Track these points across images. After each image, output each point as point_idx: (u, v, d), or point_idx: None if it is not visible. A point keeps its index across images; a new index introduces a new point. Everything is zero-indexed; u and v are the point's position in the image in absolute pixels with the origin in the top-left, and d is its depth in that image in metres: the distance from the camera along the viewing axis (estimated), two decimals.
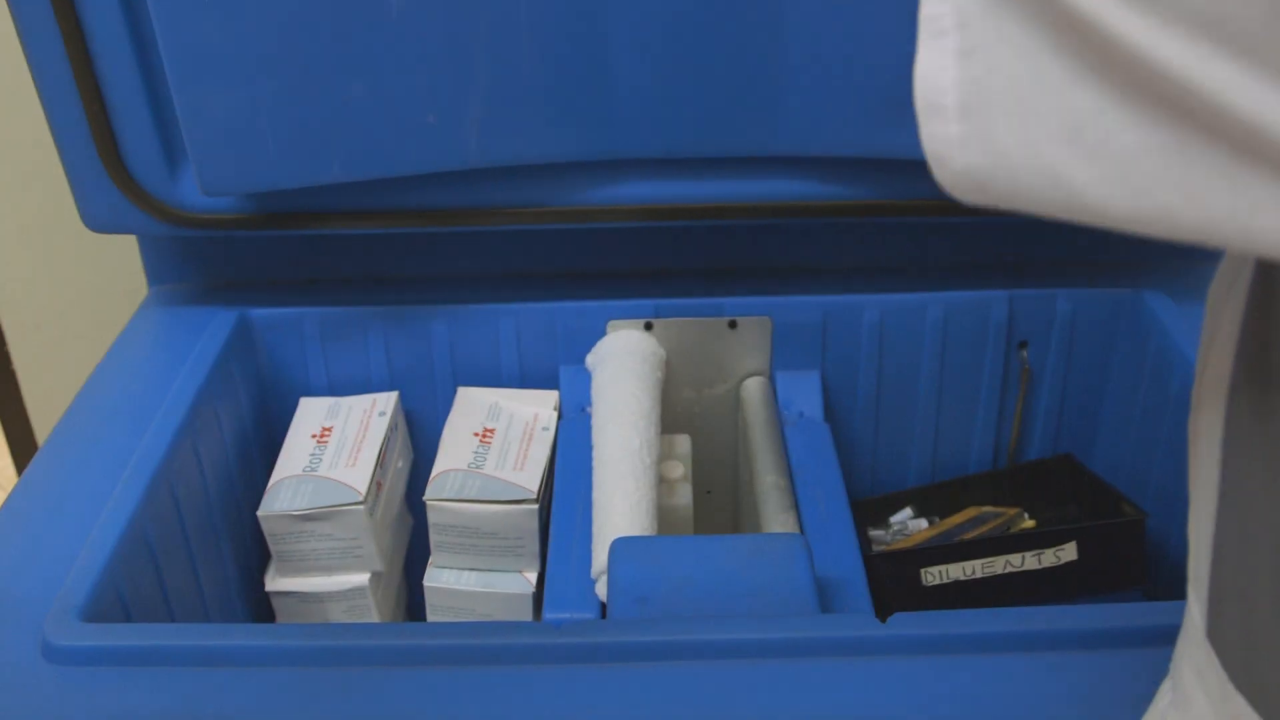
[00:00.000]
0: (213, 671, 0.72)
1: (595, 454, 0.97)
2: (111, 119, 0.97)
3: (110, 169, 0.99)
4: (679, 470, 1.02)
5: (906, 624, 0.72)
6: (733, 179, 1.01)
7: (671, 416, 1.12)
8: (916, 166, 0.99)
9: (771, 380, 1.10)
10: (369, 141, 0.94)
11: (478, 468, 0.98)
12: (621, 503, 0.90)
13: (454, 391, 1.09)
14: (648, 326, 1.08)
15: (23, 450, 1.48)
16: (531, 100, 0.94)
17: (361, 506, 0.95)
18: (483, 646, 0.72)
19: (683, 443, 1.07)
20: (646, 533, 0.89)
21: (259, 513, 0.96)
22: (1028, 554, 0.92)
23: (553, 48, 0.92)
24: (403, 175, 0.96)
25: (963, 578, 0.92)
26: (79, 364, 1.13)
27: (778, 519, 0.92)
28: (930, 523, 1.09)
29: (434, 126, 0.93)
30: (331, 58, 0.90)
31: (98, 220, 1.03)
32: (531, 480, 0.97)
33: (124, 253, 1.26)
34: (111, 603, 0.79)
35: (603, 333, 1.08)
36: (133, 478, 0.87)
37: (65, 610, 0.75)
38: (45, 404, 1.44)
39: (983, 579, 0.92)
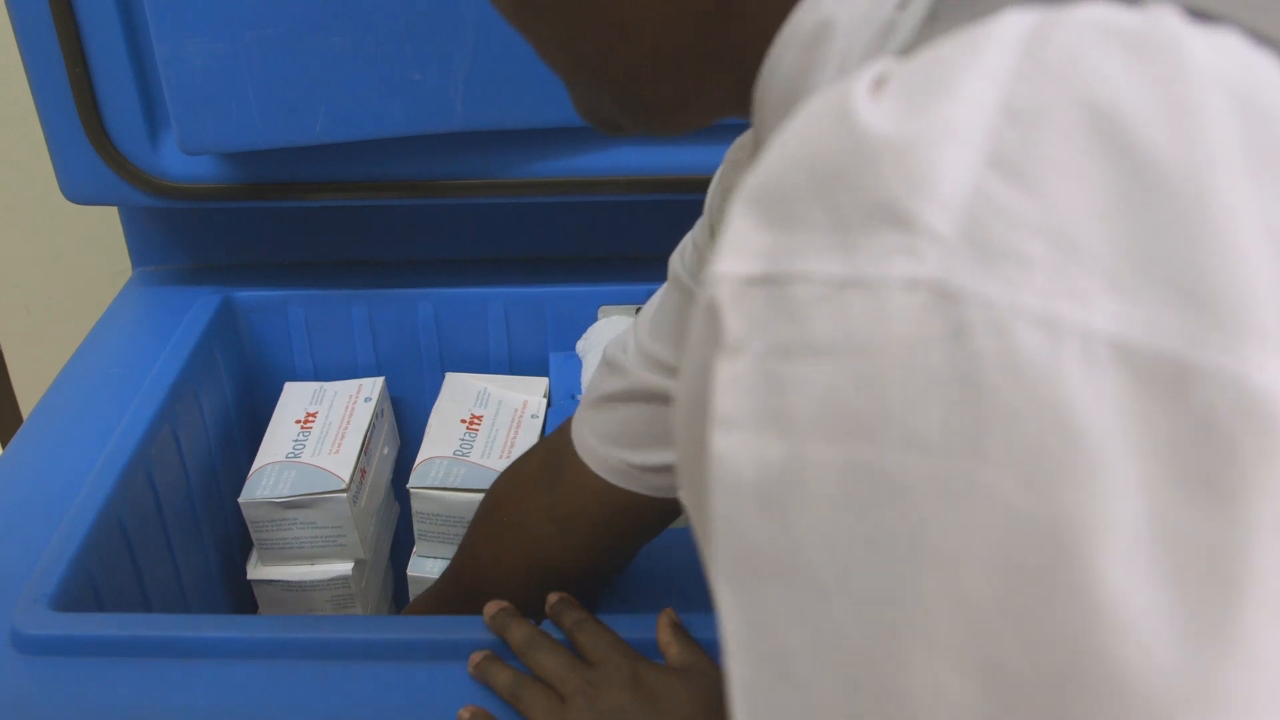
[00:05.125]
0: (185, 663, 0.70)
1: None
2: (95, 85, 0.95)
3: (92, 136, 0.97)
4: None
5: None
6: (726, 147, 0.98)
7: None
8: None
9: None
10: (353, 100, 0.91)
11: (463, 455, 0.96)
12: None
13: (442, 377, 1.07)
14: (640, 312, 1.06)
15: (11, 434, 1.47)
16: (518, 60, 0.92)
17: (344, 494, 0.93)
18: (457, 641, 0.70)
19: None
20: None
21: (240, 499, 0.94)
22: None
23: None
24: (387, 137, 0.94)
25: None
26: (68, 346, 1.12)
27: None
28: None
29: (420, 85, 0.91)
30: (316, 9, 0.87)
31: (78, 191, 1.01)
32: None
33: (116, 234, 1.25)
34: (84, 591, 0.78)
35: (594, 318, 1.06)
36: (108, 463, 0.85)
37: (35, 599, 0.73)
38: (33, 387, 1.43)
39: None
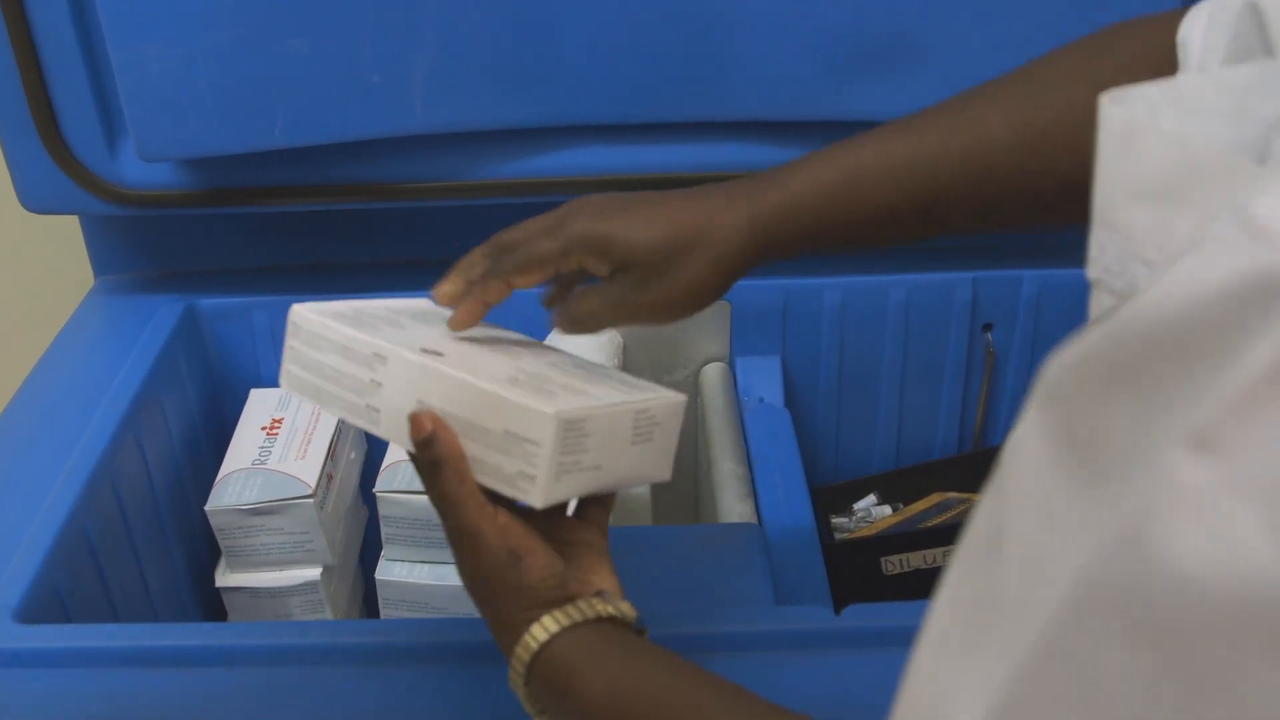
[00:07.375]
0: (154, 673, 0.70)
1: None
2: (50, 92, 0.94)
3: (49, 144, 0.96)
4: None
5: (861, 616, 0.71)
6: (686, 145, 0.99)
7: None
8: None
9: (731, 366, 1.09)
10: (312, 103, 0.91)
11: None
12: None
13: None
14: None
15: None
16: (478, 61, 0.92)
17: (311, 500, 0.93)
18: (425, 644, 0.70)
19: None
20: None
21: (207, 507, 0.94)
22: None
23: (499, 6, 0.90)
24: (347, 140, 0.94)
25: (924, 566, 0.91)
26: (31, 356, 1.11)
27: (735, 508, 0.90)
28: (894, 509, 1.08)
29: (379, 88, 0.91)
30: (273, 12, 0.87)
31: (36, 200, 1.00)
32: None
33: (78, 243, 1.24)
34: (50, 603, 0.77)
35: None
36: (72, 473, 0.84)
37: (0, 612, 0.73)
38: None
39: (944, 568, 0.90)
